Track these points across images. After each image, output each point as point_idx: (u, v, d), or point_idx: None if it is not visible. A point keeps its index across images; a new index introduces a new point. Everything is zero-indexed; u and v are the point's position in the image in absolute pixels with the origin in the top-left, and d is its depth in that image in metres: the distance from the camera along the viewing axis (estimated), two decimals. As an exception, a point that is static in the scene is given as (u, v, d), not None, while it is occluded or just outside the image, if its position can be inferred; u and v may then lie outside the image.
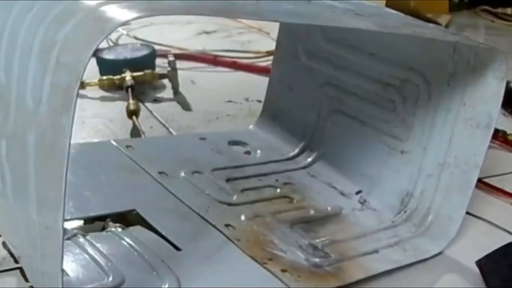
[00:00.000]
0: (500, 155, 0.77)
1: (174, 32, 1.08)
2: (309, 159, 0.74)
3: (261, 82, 0.87)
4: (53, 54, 0.37)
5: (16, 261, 0.53)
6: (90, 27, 0.36)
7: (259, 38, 1.09)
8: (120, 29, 1.09)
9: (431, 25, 0.59)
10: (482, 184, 0.70)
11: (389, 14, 0.60)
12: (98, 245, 0.54)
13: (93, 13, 0.38)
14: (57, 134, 0.37)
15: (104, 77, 0.91)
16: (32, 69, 0.39)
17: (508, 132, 0.80)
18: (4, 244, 0.54)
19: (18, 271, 0.52)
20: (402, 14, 0.61)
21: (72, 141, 0.68)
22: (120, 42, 1.08)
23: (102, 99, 0.90)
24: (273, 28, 0.90)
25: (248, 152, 0.76)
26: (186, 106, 0.89)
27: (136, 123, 0.79)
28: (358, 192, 0.69)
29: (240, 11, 0.42)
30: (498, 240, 0.60)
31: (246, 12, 0.42)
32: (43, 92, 0.38)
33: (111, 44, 1.06)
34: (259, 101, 0.89)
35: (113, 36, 1.08)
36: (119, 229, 0.57)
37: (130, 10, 0.38)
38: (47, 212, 0.39)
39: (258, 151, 0.76)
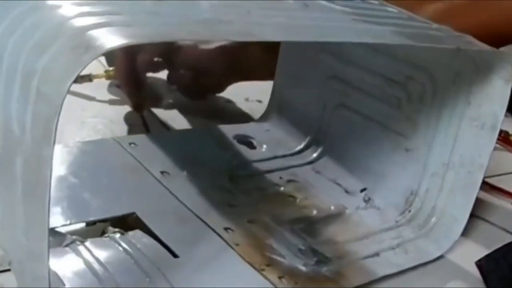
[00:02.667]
0: (501, 155, 0.76)
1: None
2: (315, 154, 0.73)
3: (261, 82, 0.87)
4: (34, 83, 0.37)
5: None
6: (67, 57, 0.36)
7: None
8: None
9: (434, 25, 0.57)
10: (482, 183, 0.69)
11: (389, 15, 0.58)
12: (95, 252, 0.54)
13: (73, 40, 0.37)
14: (39, 165, 0.37)
15: (111, 68, 0.90)
16: (16, 96, 0.39)
17: (511, 132, 0.79)
18: (3, 243, 0.55)
19: (18, 270, 0.53)
20: (405, 13, 0.59)
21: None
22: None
23: (111, 102, 0.89)
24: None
25: (253, 147, 0.75)
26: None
27: (143, 117, 0.79)
28: (362, 190, 0.68)
29: (227, 32, 0.40)
30: (498, 240, 0.60)
31: (234, 33, 0.40)
32: (26, 120, 0.38)
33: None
34: (259, 101, 0.88)
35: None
36: (118, 234, 0.57)
37: (113, 36, 0.37)
38: (33, 239, 0.39)
39: (264, 146, 0.75)
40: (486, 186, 0.69)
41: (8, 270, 0.53)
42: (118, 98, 0.87)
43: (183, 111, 0.87)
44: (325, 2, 0.55)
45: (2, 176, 0.43)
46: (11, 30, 0.40)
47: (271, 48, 0.81)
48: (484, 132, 0.60)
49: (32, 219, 0.39)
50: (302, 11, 0.50)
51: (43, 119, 0.36)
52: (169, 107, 0.88)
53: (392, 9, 0.59)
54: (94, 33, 0.37)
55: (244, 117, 0.86)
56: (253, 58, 0.83)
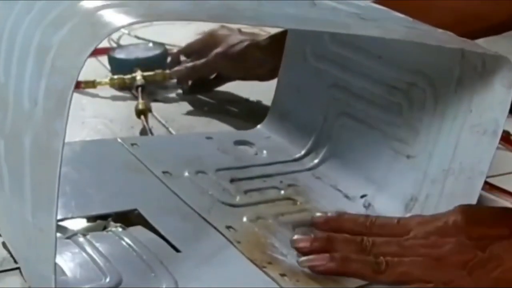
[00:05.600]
0: (501, 155, 0.76)
1: (175, 32, 1.08)
2: (315, 161, 0.74)
3: (262, 82, 0.88)
4: (49, 57, 0.37)
5: (16, 261, 0.54)
6: (85, 32, 0.36)
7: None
8: (121, 29, 1.10)
9: (439, 30, 0.58)
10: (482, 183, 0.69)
11: (395, 18, 0.59)
12: (97, 244, 0.54)
13: (89, 18, 0.38)
14: (51, 138, 0.37)
15: (115, 76, 0.91)
16: (29, 71, 0.40)
17: (511, 132, 0.79)
18: (4, 244, 0.55)
19: (18, 271, 0.53)
20: (410, 18, 0.60)
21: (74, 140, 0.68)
22: (121, 42, 1.08)
23: (113, 98, 0.90)
24: (275, 28, 0.90)
25: (254, 153, 0.75)
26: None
27: (144, 124, 0.79)
28: (363, 196, 0.68)
29: (239, 16, 0.41)
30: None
31: (246, 17, 0.41)
32: (38, 94, 0.38)
33: (114, 44, 1.06)
34: (259, 101, 0.88)
35: (115, 36, 1.09)
36: (120, 229, 0.57)
37: (127, 15, 0.38)
38: (41, 214, 0.39)
39: (264, 152, 0.75)
40: (486, 186, 0.69)
41: (9, 270, 0.53)
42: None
43: (184, 109, 0.88)
44: (333, 3, 0.56)
45: (10, 158, 0.44)
46: (27, 10, 0.41)
47: (270, 49, 0.83)
48: (485, 138, 0.60)
49: (41, 195, 0.39)
50: (310, 7, 0.51)
51: (57, 91, 0.36)
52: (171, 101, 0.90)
53: (398, 14, 0.60)
54: (109, 12, 0.38)
55: (244, 117, 0.86)
56: (252, 58, 0.85)
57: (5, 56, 0.43)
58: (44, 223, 0.39)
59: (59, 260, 0.51)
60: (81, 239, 0.54)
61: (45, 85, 0.38)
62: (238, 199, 0.65)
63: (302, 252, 0.56)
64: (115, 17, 0.37)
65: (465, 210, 0.57)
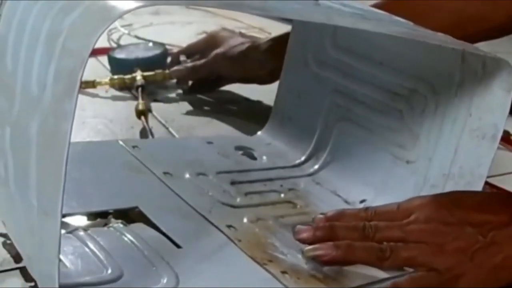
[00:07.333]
0: (501, 155, 0.76)
1: (174, 32, 1.09)
2: (315, 167, 0.74)
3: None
4: (59, 40, 0.38)
5: (16, 262, 0.54)
6: (95, 15, 0.37)
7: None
8: (121, 29, 1.11)
9: (439, 34, 0.59)
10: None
11: (397, 21, 0.60)
12: (98, 239, 0.54)
13: (99, 2, 0.38)
14: (59, 120, 0.37)
15: (115, 77, 0.91)
16: (39, 56, 0.40)
17: (511, 132, 0.79)
18: (4, 244, 0.55)
19: (18, 271, 0.53)
20: (411, 23, 0.61)
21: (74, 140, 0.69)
22: (121, 42, 1.09)
23: (113, 98, 0.91)
24: (275, 28, 0.90)
25: (254, 158, 0.76)
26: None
27: (145, 124, 0.80)
28: (362, 201, 0.69)
29: (247, 5, 0.42)
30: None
31: (253, 7, 0.42)
32: (47, 78, 0.39)
33: (114, 44, 1.07)
34: (260, 101, 0.89)
35: (115, 36, 1.10)
36: (121, 225, 0.57)
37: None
38: (47, 197, 0.40)
39: (264, 157, 0.76)
40: (486, 186, 0.69)
41: (9, 270, 0.53)
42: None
43: (184, 109, 0.88)
44: (336, 5, 0.57)
45: (16, 144, 0.44)
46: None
47: (271, 50, 0.83)
48: (485, 142, 0.61)
49: (47, 179, 0.39)
50: (314, 6, 0.51)
51: (67, 72, 0.37)
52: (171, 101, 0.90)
53: (399, 18, 0.61)
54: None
55: (244, 117, 0.87)
56: (253, 59, 0.86)
57: (14, 44, 0.44)
58: (50, 205, 0.39)
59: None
60: (82, 233, 0.54)
61: (54, 68, 0.38)
62: (238, 201, 0.65)
63: (305, 242, 0.57)
64: (124, 1, 0.38)
65: (467, 195, 0.58)
